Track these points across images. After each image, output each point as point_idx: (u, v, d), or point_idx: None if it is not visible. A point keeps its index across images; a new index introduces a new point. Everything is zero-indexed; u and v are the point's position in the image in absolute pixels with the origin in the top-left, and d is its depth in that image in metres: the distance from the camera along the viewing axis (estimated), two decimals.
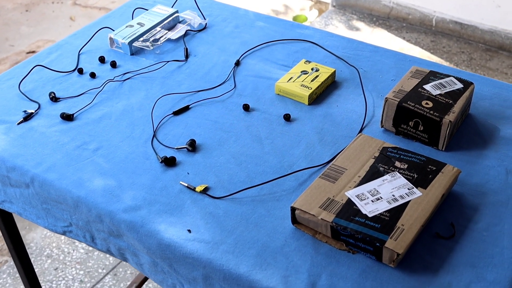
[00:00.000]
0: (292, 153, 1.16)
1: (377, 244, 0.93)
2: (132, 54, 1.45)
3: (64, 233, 1.18)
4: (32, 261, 2.13)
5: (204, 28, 1.55)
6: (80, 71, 1.38)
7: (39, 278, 2.07)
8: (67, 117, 1.25)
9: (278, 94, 1.32)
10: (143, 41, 1.45)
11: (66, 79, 1.37)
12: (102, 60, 1.42)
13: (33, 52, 3.46)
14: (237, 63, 1.41)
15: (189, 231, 1.01)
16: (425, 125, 1.16)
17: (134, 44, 1.43)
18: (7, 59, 3.39)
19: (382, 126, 1.21)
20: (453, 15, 3.18)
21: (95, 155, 1.17)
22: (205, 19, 1.57)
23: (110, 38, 1.46)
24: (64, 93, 1.33)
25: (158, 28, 1.49)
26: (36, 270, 2.07)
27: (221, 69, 1.40)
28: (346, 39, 1.49)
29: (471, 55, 3.07)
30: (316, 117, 1.25)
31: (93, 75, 1.36)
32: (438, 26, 3.25)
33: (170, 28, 1.52)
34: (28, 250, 2.18)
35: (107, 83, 1.35)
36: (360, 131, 1.20)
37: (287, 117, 1.24)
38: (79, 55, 1.45)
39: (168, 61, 1.41)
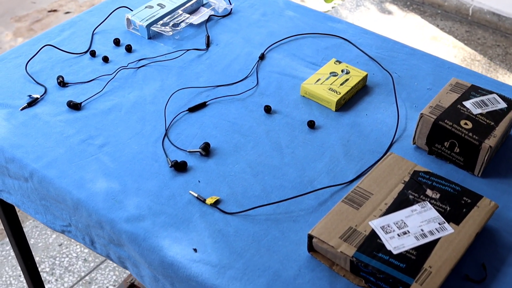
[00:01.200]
0: (314, 167, 1.06)
1: (401, 287, 0.84)
2: (149, 38, 1.35)
3: (63, 232, 1.10)
4: (36, 234, 2.08)
5: (229, 13, 1.45)
6: (93, 54, 1.28)
7: (42, 254, 2.01)
8: (74, 106, 1.16)
9: (303, 96, 1.22)
10: (162, 25, 1.34)
11: (77, 61, 1.28)
12: (117, 43, 1.32)
13: (55, 11, 3.37)
14: (262, 57, 1.30)
15: (195, 250, 0.92)
16: (462, 148, 1.05)
17: (152, 27, 1.33)
18: (27, 16, 3.30)
19: (414, 143, 1.11)
20: (491, 6, 3.02)
21: (101, 152, 1.08)
22: (230, 3, 1.46)
23: (127, 19, 1.35)
24: (74, 77, 1.24)
25: (179, 11, 1.38)
26: (39, 245, 2.02)
27: (243, 62, 1.29)
28: (382, 38, 1.37)
29: (507, 49, 2.92)
30: (342, 126, 1.14)
31: (106, 59, 1.27)
32: (475, 16, 3.09)
33: (193, 11, 1.41)
34: (33, 223, 2.12)
35: (120, 70, 1.25)
36: (390, 146, 1.10)
37: (311, 124, 1.14)
38: (93, 35, 1.35)
39: (187, 50, 1.30)
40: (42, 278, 1.69)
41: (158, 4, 1.39)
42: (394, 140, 1.12)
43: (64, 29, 1.37)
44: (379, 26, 3.02)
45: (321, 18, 1.44)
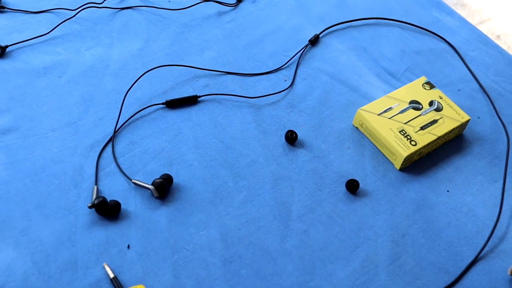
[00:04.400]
0: (333, 271, 0.60)
1: None
2: None
3: None
4: None
5: None
6: None
7: None
8: None
9: (356, 128, 0.74)
10: None
11: None
12: None
13: None
14: (314, 41, 0.82)
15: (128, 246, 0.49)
16: None
17: None
18: None
19: (511, 274, 0.64)
20: None
21: (2, 139, 0.64)
22: None
23: None
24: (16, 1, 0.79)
25: None
26: None
27: (283, 41, 0.82)
28: (508, 57, 0.86)
29: None
30: (403, 203, 0.67)
31: None
32: None
33: None
34: None
35: (88, 7, 0.79)
36: (470, 266, 0.63)
37: (352, 186, 0.67)
38: None
39: (204, 0, 0.83)
40: None
41: None
42: (480, 254, 0.64)
43: None
44: None
45: (425, 1, 0.93)
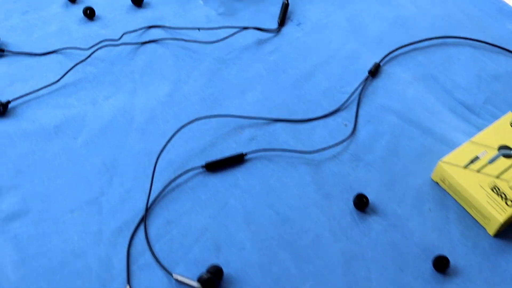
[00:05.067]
0: None
1: None
2: None
3: None
4: None
5: None
6: None
7: None
8: None
9: (437, 183, 0.61)
10: None
11: (42, 6, 0.69)
12: None
13: None
14: (374, 71, 0.68)
15: None
16: None
17: None
18: None
19: None
20: None
21: (10, 227, 0.52)
22: None
23: None
24: (19, 38, 0.66)
25: None
26: None
27: (339, 73, 0.68)
28: None
29: None
30: (504, 283, 0.54)
31: (89, 13, 0.68)
32: None
33: None
34: None
35: (104, 46, 0.66)
36: None
37: (442, 265, 0.54)
38: None
39: (242, 28, 0.69)
40: None
41: None
42: None
43: None
44: None
45: (500, 10, 0.79)
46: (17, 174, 0.57)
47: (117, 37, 0.67)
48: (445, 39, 0.74)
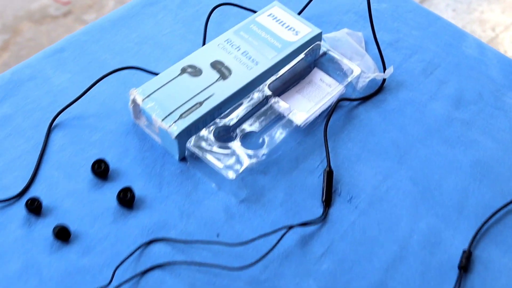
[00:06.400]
0: None
1: None
2: (182, 159, 0.54)
3: None
4: None
5: (378, 92, 0.62)
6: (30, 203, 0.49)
7: None
8: None
9: None
10: (219, 132, 0.53)
11: None
12: (100, 171, 0.52)
13: None
14: (465, 265, 0.50)
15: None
16: None
17: (192, 142, 0.52)
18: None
19: None
20: None
21: None
22: (385, 68, 0.62)
23: (134, 102, 0.54)
24: None
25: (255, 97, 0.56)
26: None
27: (418, 272, 0.50)
28: None
29: None
30: None
31: (63, 234, 0.48)
32: None
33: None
34: None
35: None
36: None
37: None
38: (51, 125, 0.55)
39: (288, 228, 0.50)
40: None
41: (217, 64, 0.56)
42: None
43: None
44: None
45: None
46: None
47: (106, 283, 0.47)
48: None
